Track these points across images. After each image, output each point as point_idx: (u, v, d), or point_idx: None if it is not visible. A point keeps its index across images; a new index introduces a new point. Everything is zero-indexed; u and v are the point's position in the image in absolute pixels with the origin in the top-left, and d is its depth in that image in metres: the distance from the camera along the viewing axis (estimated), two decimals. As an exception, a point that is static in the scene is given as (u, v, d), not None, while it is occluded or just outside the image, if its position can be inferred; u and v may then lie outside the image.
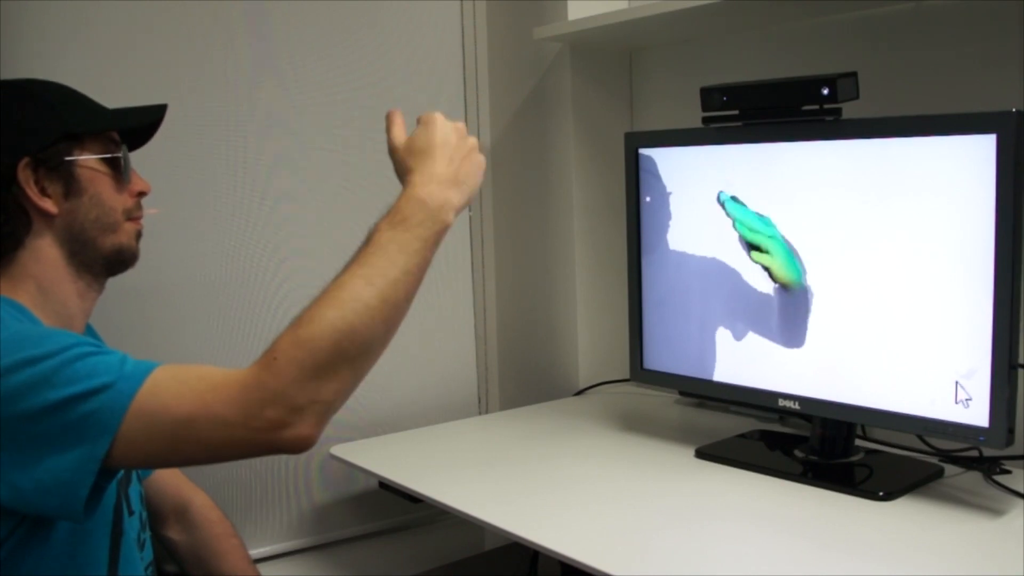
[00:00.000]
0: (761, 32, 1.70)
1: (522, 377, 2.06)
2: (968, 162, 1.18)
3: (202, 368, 0.93)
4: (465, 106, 1.91)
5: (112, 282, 1.16)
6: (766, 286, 1.42)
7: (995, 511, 1.21)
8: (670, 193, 1.54)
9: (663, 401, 1.85)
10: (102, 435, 0.89)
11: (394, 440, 1.66)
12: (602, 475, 1.43)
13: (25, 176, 1.03)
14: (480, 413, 1.97)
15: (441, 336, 1.86)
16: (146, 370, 0.92)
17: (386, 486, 1.47)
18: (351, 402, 1.74)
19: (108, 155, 1.10)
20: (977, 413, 1.20)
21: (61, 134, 1.06)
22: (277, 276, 1.67)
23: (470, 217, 1.95)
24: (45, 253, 1.06)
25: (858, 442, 1.43)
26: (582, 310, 1.93)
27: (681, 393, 1.82)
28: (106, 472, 0.92)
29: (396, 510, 1.77)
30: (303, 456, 1.69)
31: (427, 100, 1.79)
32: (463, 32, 1.91)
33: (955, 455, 1.38)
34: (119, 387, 0.90)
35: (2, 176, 1.02)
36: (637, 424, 1.68)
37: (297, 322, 0.93)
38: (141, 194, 1.14)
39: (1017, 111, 1.14)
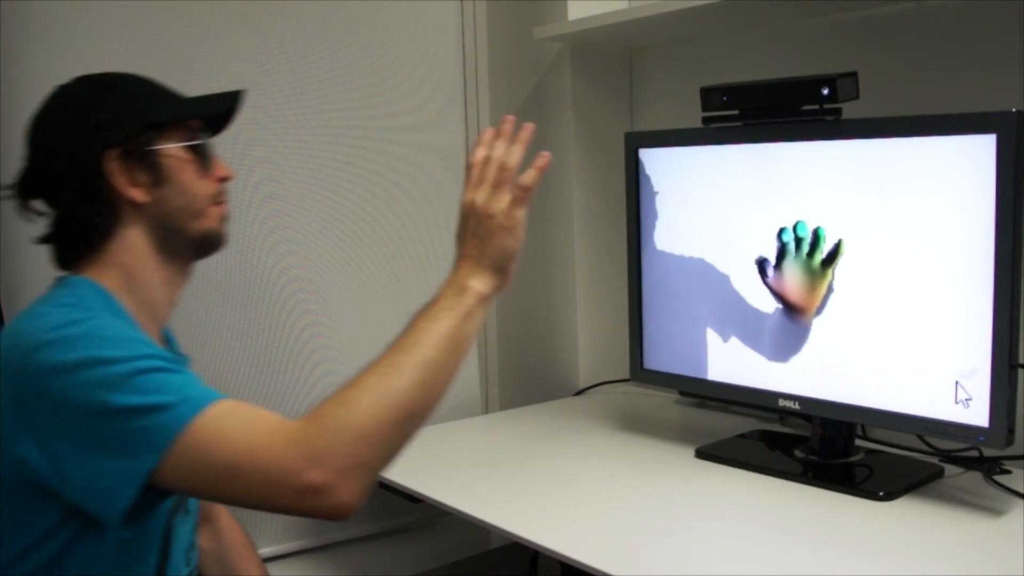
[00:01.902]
0: (761, 32, 1.70)
1: (522, 377, 2.06)
2: (968, 162, 1.18)
3: (258, 412, 0.94)
4: (465, 106, 1.91)
5: None
6: (766, 303, 1.42)
7: (995, 511, 1.21)
8: (670, 193, 1.54)
9: (663, 401, 1.85)
10: (150, 453, 0.90)
11: (394, 440, 1.66)
12: (602, 475, 1.43)
13: (112, 167, 1.04)
14: (483, 413, 1.97)
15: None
16: (208, 400, 0.92)
17: (386, 486, 1.47)
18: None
19: (191, 143, 1.11)
20: (977, 413, 1.20)
21: (145, 124, 1.07)
22: (273, 274, 1.67)
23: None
24: (134, 242, 1.07)
25: (858, 442, 1.43)
26: (582, 310, 1.93)
27: (681, 393, 1.82)
28: (153, 491, 0.92)
29: (396, 511, 1.77)
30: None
31: (427, 100, 1.79)
32: (463, 32, 1.91)
33: (955, 455, 1.38)
34: (178, 410, 0.91)
35: (90, 168, 1.04)
36: (637, 424, 1.68)
37: (346, 389, 0.94)
38: (224, 179, 1.15)
39: (1017, 111, 1.14)
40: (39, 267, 1.46)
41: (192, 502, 1.18)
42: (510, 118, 1.12)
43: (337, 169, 1.72)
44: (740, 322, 1.47)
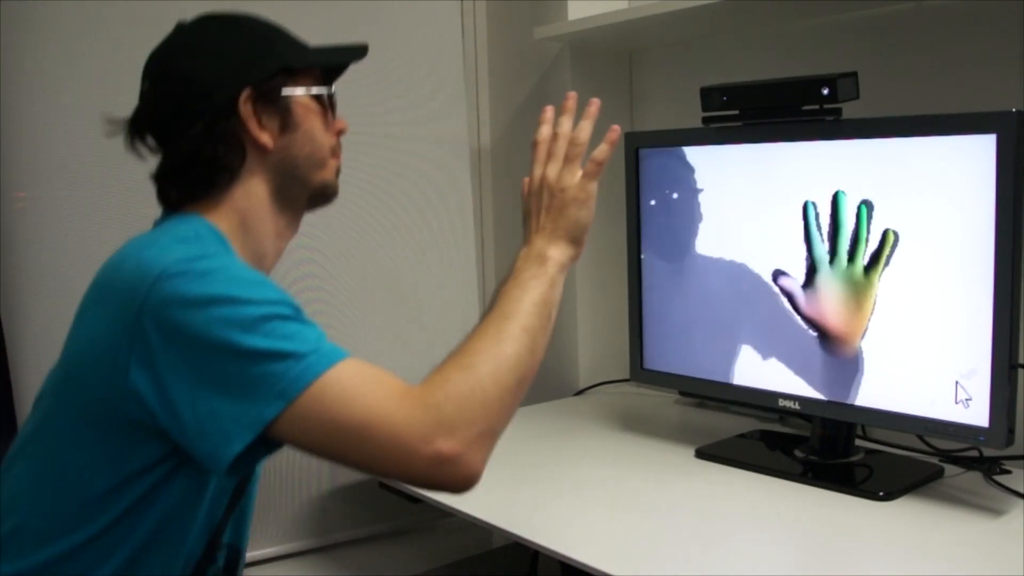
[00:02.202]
0: (761, 32, 1.70)
1: (522, 377, 2.06)
2: (968, 162, 1.18)
3: (385, 373, 0.91)
4: (466, 106, 1.91)
5: None
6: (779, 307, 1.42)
7: (995, 511, 1.21)
8: (670, 193, 1.54)
9: (663, 401, 1.85)
10: (276, 400, 0.87)
11: (394, 440, 1.66)
12: (602, 475, 1.43)
13: (246, 109, 1.02)
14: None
15: (444, 336, 1.85)
16: (340, 356, 0.90)
17: (386, 486, 1.47)
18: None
19: (320, 91, 1.09)
20: (977, 413, 1.20)
21: (279, 68, 1.05)
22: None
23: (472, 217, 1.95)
24: (255, 188, 1.05)
25: (858, 442, 1.43)
26: (582, 310, 1.93)
27: (681, 393, 1.82)
28: (266, 442, 0.90)
29: (396, 511, 1.77)
30: (304, 456, 1.68)
31: (427, 100, 1.79)
32: (463, 32, 1.91)
33: (955, 455, 1.38)
34: (310, 360, 0.88)
35: (224, 107, 1.02)
36: (637, 424, 1.68)
37: (461, 356, 0.94)
38: (341, 132, 1.14)
39: (1017, 111, 1.14)
40: (39, 266, 1.47)
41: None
42: (573, 94, 1.13)
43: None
44: (750, 325, 1.47)
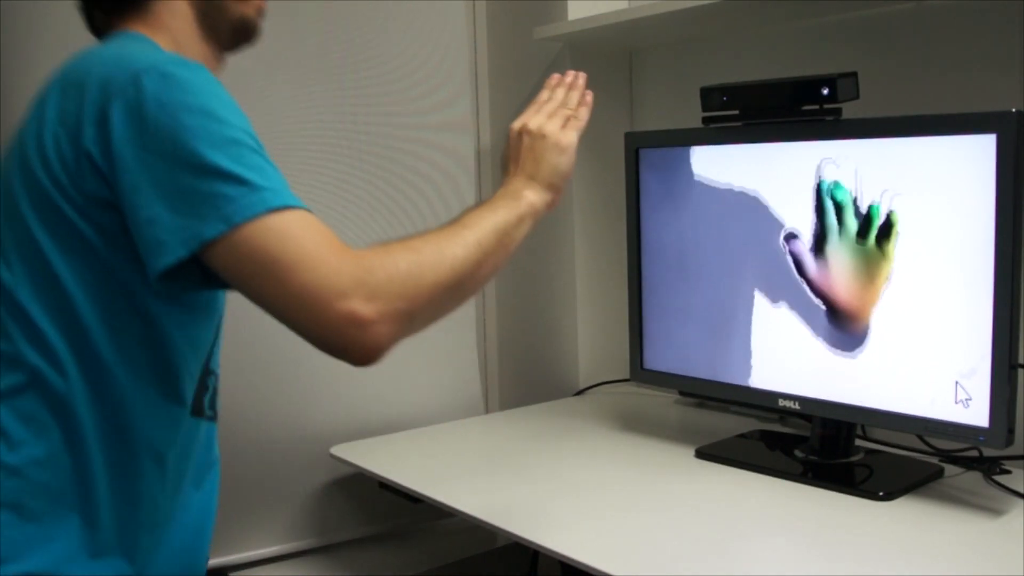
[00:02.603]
0: (761, 32, 1.70)
1: (522, 377, 2.06)
2: (968, 162, 1.18)
3: (332, 233, 0.92)
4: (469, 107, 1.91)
5: None
6: (784, 308, 1.42)
7: (995, 511, 1.21)
8: (670, 193, 1.54)
9: (663, 401, 1.85)
10: (219, 222, 0.86)
11: (394, 440, 1.66)
12: (602, 475, 1.43)
13: None
14: (483, 413, 1.97)
15: (444, 336, 1.86)
16: (296, 202, 0.90)
17: (386, 486, 1.47)
18: (353, 401, 1.74)
19: None
20: (977, 413, 1.20)
21: None
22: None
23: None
24: (179, 7, 1.06)
25: (858, 442, 1.43)
26: (582, 310, 1.93)
27: (681, 393, 1.82)
28: (200, 267, 0.89)
29: (396, 511, 1.77)
30: (303, 455, 1.69)
31: (430, 100, 1.79)
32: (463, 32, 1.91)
33: (955, 455, 1.38)
34: (265, 195, 0.88)
35: None
36: (637, 424, 1.68)
37: (411, 239, 0.96)
38: None
39: (1017, 111, 1.14)
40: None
41: None
42: (582, 74, 1.22)
43: (339, 169, 1.72)
44: (742, 326, 1.47)
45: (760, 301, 1.44)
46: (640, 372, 1.64)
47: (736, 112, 1.43)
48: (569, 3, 1.81)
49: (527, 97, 1.97)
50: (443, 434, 1.70)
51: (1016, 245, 1.15)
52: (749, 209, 1.43)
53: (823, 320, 1.35)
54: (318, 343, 0.90)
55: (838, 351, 1.34)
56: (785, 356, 1.41)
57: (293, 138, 1.67)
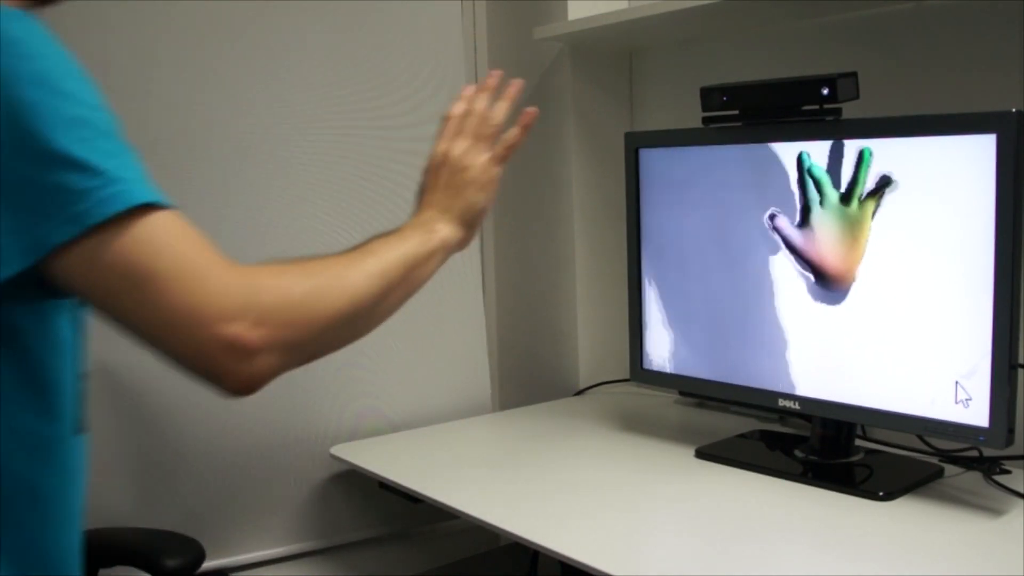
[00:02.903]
0: (761, 32, 1.70)
1: (522, 377, 2.06)
2: (968, 162, 1.18)
3: (205, 240, 0.78)
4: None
5: None
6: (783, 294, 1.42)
7: (995, 511, 1.21)
8: (670, 192, 1.54)
9: (663, 401, 1.85)
10: (68, 224, 0.71)
11: (394, 440, 1.66)
12: (602, 475, 1.43)
13: None
14: (483, 413, 1.97)
15: (445, 338, 1.86)
16: (160, 199, 0.76)
17: (386, 486, 1.47)
18: (354, 401, 1.73)
19: None
20: (977, 413, 1.20)
21: None
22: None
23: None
24: None
25: (858, 442, 1.43)
26: (582, 310, 1.93)
27: (681, 393, 1.82)
28: (42, 280, 0.74)
29: (398, 512, 1.77)
30: (303, 455, 1.69)
31: (428, 100, 1.78)
32: (463, 32, 1.90)
33: (955, 455, 1.38)
34: (125, 187, 0.73)
35: None
36: (637, 424, 1.68)
37: (306, 261, 0.87)
38: None
39: (1017, 111, 1.14)
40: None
41: None
42: (497, 72, 1.09)
43: (338, 170, 1.72)
44: (744, 321, 1.47)
45: (760, 301, 1.44)
46: (640, 372, 1.64)
47: (736, 112, 1.43)
48: (569, 3, 1.81)
49: (527, 97, 1.98)
50: (443, 434, 1.70)
51: (1016, 245, 1.15)
52: (749, 209, 1.43)
53: (813, 285, 1.36)
54: (187, 368, 0.78)
55: (824, 303, 1.34)
56: (785, 355, 1.41)
57: (279, 143, 1.66)
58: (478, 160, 1.04)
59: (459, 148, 1.04)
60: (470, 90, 1.09)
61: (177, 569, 1.33)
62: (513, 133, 1.06)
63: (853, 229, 1.31)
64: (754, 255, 1.43)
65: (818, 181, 1.33)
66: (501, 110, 1.07)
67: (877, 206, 1.28)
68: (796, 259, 1.38)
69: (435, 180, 1.04)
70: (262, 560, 1.69)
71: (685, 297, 1.54)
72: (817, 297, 1.36)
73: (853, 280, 1.32)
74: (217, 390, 0.78)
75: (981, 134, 1.16)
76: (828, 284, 1.35)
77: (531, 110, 1.08)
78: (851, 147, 1.30)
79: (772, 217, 1.40)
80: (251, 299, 0.77)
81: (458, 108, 1.07)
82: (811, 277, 1.36)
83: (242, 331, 0.76)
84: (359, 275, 0.88)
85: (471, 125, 1.05)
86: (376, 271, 0.90)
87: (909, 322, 1.26)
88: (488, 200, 1.05)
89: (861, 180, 1.29)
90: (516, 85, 1.08)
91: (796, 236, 1.38)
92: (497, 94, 1.09)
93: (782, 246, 1.39)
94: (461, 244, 1.04)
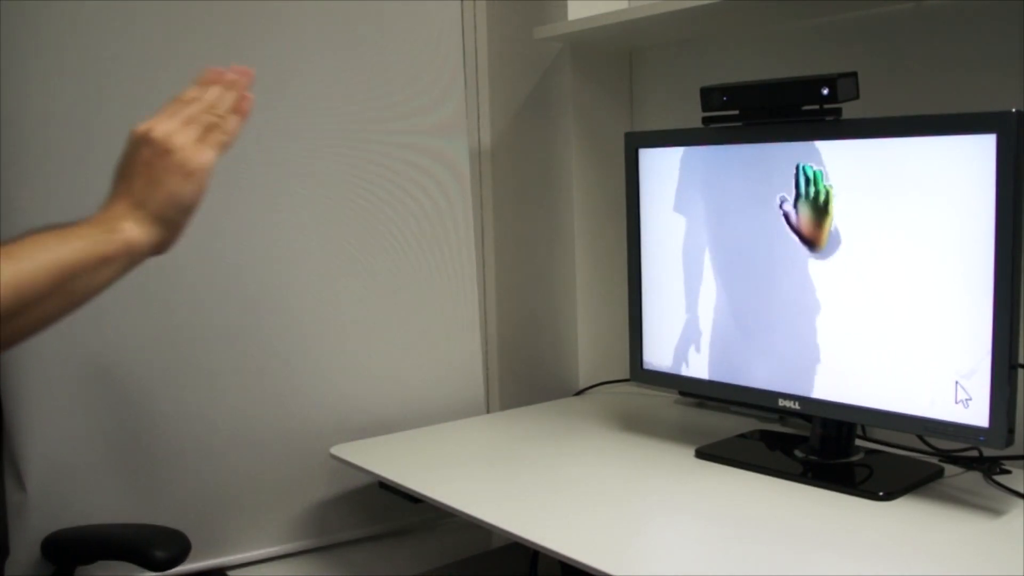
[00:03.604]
0: (761, 32, 1.70)
1: (522, 377, 2.06)
2: (968, 162, 1.18)
3: None
4: (466, 106, 1.91)
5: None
6: (775, 289, 1.42)
7: (995, 511, 1.21)
8: (670, 193, 1.54)
9: (663, 401, 1.85)
10: None
11: (394, 440, 1.66)
12: (602, 475, 1.43)
13: None
14: (483, 413, 1.97)
15: (445, 337, 1.86)
16: None
17: (386, 486, 1.47)
18: (353, 401, 1.74)
19: None
20: (977, 413, 1.20)
21: None
22: (273, 276, 1.67)
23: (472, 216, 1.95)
24: None
25: (858, 442, 1.43)
26: (582, 310, 1.93)
27: (681, 393, 1.82)
28: None
29: (397, 511, 1.77)
30: (304, 456, 1.69)
31: (427, 100, 1.79)
32: (463, 32, 1.91)
33: (955, 455, 1.38)
34: None
35: None
36: (637, 424, 1.68)
37: None
38: None
39: (1017, 111, 1.14)
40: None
41: None
42: (242, 69, 0.95)
43: (336, 170, 1.72)
44: (740, 316, 1.47)
45: (760, 300, 1.44)
46: (640, 372, 1.64)
47: (736, 112, 1.43)
48: (569, 3, 1.81)
49: (527, 97, 1.98)
50: (443, 434, 1.70)
51: (1016, 245, 1.15)
52: (749, 209, 1.43)
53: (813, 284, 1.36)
54: None
55: (824, 303, 1.34)
56: (785, 355, 1.41)
57: (275, 144, 1.66)
58: (184, 140, 0.87)
59: (164, 127, 0.87)
60: (212, 73, 0.95)
61: (166, 560, 1.35)
62: (231, 120, 0.92)
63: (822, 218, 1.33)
64: (753, 255, 1.43)
65: (809, 178, 1.34)
66: (227, 99, 0.93)
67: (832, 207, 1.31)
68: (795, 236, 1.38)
69: (131, 165, 0.86)
70: (261, 558, 1.69)
71: (685, 297, 1.54)
72: (817, 296, 1.36)
73: (853, 280, 1.32)
74: None
75: (981, 134, 1.16)
76: (830, 284, 1.35)
77: (248, 96, 0.93)
78: (848, 151, 1.30)
79: (782, 202, 1.40)
80: None
81: (188, 93, 0.93)
82: (812, 277, 1.36)
83: None
84: None
85: (190, 109, 0.91)
86: (5, 281, 0.75)
87: (909, 322, 1.26)
88: (195, 193, 0.87)
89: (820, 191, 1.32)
90: (248, 74, 0.94)
91: (792, 213, 1.39)
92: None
93: (791, 234, 1.39)
94: (158, 247, 0.87)
